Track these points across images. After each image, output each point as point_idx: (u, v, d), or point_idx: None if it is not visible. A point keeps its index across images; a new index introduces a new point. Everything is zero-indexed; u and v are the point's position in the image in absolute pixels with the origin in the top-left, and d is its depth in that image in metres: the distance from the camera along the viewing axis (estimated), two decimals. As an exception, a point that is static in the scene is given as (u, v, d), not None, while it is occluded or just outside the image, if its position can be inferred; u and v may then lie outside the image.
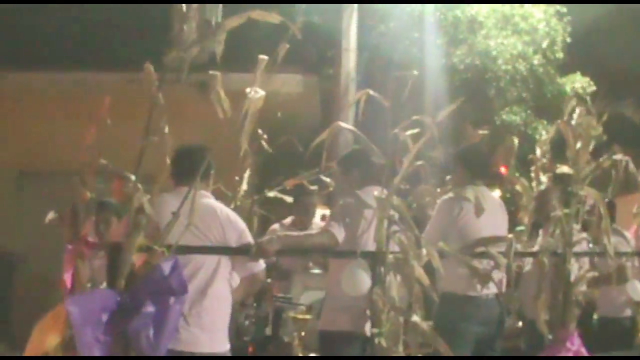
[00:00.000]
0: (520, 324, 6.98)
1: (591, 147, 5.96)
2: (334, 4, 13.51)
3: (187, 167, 4.68)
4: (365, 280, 4.81)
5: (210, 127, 5.12)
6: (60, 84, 11.47)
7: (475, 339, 5.91)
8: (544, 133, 14.70)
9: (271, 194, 7.21)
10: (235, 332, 6.48)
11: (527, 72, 15.27)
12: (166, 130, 4.12)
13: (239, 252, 4.87)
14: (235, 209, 7.55)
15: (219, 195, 7.39)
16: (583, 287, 5.84)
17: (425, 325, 4.74)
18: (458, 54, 14.94)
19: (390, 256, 4.83)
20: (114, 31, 12.98)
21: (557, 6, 15.77)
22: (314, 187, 7.46)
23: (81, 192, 4.24)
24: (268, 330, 7.20)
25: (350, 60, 13.20)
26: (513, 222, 6.53)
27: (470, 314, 5.91)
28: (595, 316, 7.34)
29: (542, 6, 15.68)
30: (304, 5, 12.40)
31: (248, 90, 4.42)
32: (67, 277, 4.22)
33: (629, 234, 7.55)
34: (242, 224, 5.00)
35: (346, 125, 5.51)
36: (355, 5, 13.27)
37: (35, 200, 9.83)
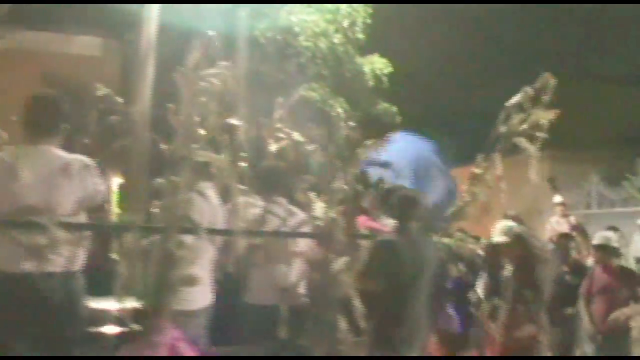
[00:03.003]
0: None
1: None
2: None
3: None
4: None
5: None
6: None
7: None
8: (341, 111, 15.07)
9: None
10: None
11: (328, 50, 15.51)
12: None
13: None
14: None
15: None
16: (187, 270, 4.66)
17: None
18: (260, 28, 14.95)
19: None
20: None
21: (360, -13, 16.10)
22: None
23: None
24: None
25: (151, 27, 12.92)
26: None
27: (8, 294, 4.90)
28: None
29: (346, -14, 15.93)
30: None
31: None
32: None
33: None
34: None
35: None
36: (159, -30, 12.99)
37: None
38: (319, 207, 5.85)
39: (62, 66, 10.56)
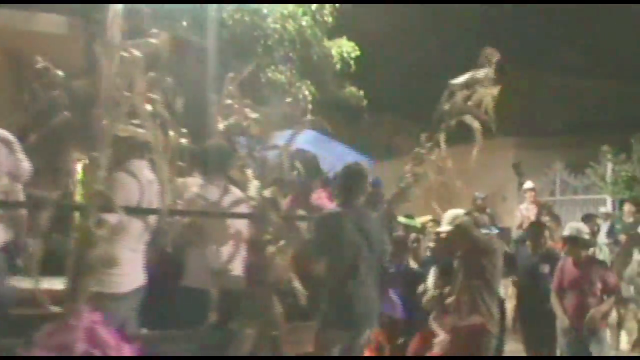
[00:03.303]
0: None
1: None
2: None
3: None
4: None
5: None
6: None
7: None
8: (307, 93, 15.11)
9: None
10: None
11: (296, 32, 15.50)
12: None
13: None
14: None
15: None
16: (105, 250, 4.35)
17: None
18: (228, 9, 14.90)
19: None
20: None
21: (328, -29, 16.09)
22: None
23: None
24: None
25: (117, 5, 12.83)
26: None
27: None
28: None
29: (314, -31, 15.92)
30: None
31: None
32: None
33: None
34: None
35: None
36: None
37: None
38: (253, 187, 5.72)
39: (25, 44, 10.50)
